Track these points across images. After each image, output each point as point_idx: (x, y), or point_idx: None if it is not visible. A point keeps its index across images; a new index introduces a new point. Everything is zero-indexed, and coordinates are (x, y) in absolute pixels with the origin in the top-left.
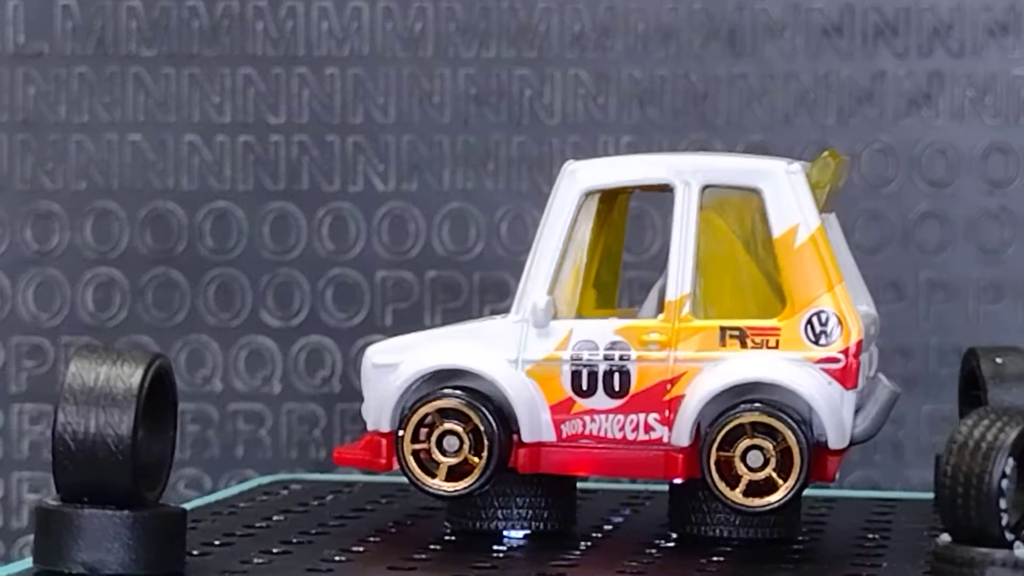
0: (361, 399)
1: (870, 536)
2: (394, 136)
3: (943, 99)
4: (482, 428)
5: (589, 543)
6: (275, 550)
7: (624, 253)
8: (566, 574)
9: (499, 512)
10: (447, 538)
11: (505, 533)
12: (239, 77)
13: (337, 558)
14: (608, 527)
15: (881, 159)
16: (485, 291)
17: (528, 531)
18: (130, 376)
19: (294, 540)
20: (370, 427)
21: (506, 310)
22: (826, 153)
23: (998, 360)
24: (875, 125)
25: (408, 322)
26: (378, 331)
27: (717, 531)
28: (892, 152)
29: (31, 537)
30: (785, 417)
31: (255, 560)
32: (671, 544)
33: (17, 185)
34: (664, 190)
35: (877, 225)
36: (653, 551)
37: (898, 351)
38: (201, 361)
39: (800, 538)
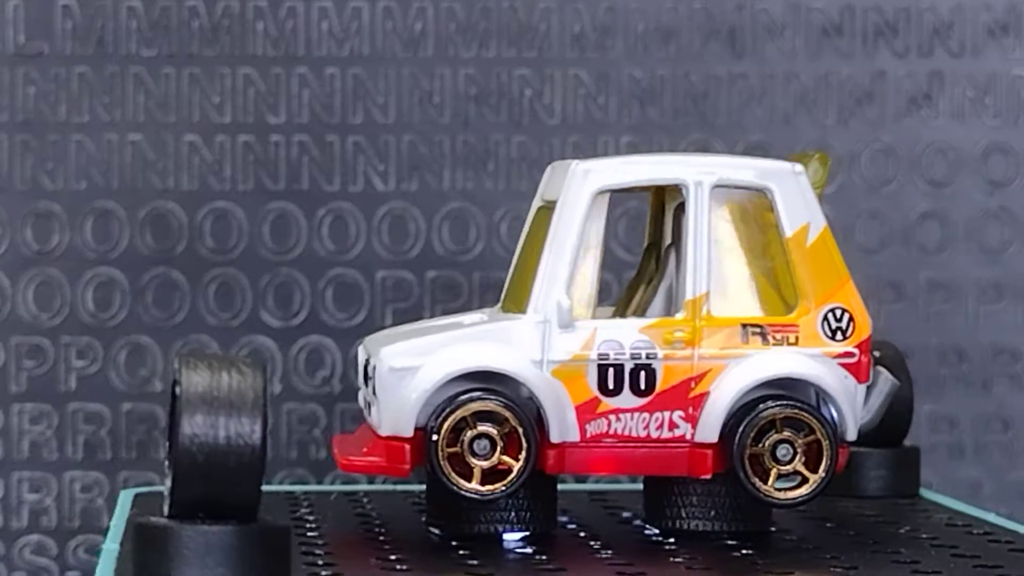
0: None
1: (827, 525)
2: (394, 136)
3: (943, 99)
4: (521, 430)
5: (597, 543)
6: (320, 562)
7: (625, 253)
8: (647, 572)
9: (498, 515)
10: (455, 543)
11: (505, 536)
12: (239, 77)
13: (399, 567)
14: (574, 526)
15: (881, 159)
16: (485, 291)
17: (527, 533)
18: (253, 383)
19: (315, 551)
20: (386, 432)
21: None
22: (816, 156)
23: (876, 353)
24: (875, 125)
25: (408, 322)
26: (378, 331)
27: (695, 525)
28: (892, 152)
29: (32, 537)
30: (816, 412)
31: (322, 572)
32: (672, 539)
33: (17, 185)
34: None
35: (877, 225)
36: (673, 546)
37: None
38: None
39: (772, 530)
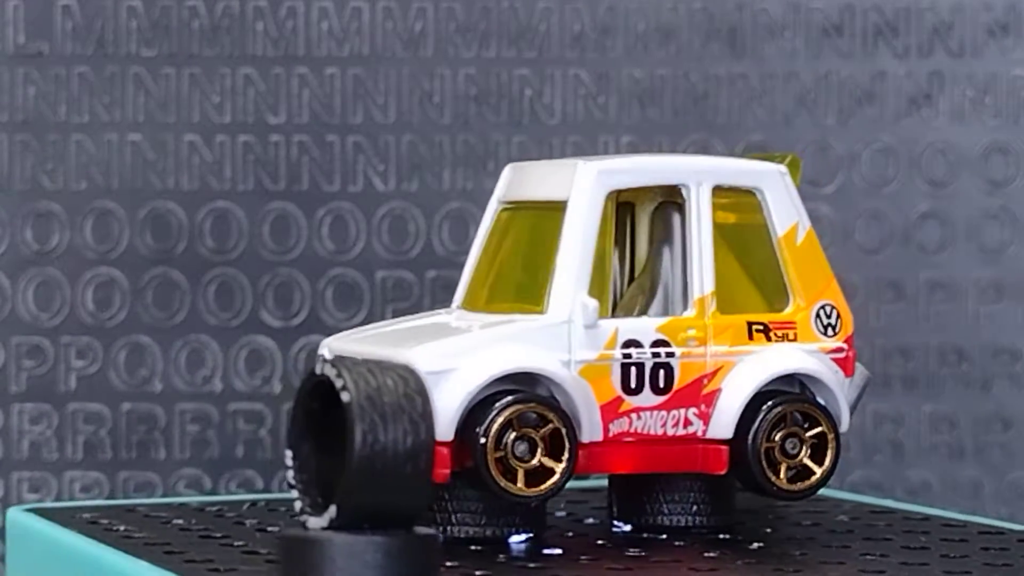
0: None
1: (778, 518)
2: (394, 136)
3: (943, 99)
4: (564, 431)
5: (603, 541)
6: None
7: None
8: (717, 569)
9: (503, 518)
10: (473, 548)
11: (511, 538)
12: (239, 77)
13: (477, 572)
14: (556, 524)
15: (881, 159)
16: None
17: (531, 535)
18: (418, 388)
19: None
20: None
21: None
22: (789, 158)
23: None
24: (875, 125)
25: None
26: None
27: (671, 520)
28: (892, 152)
29: None
30: (824, 405)
31: None
32: (664, 536)
33: (17, 185)
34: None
35: (877, 225)
36: (680, 542)
37: (898, 351)
38: (201, 361)
39: (736, 525)
